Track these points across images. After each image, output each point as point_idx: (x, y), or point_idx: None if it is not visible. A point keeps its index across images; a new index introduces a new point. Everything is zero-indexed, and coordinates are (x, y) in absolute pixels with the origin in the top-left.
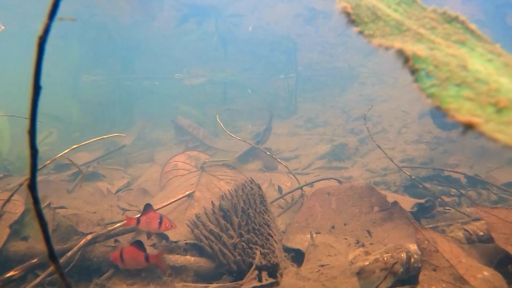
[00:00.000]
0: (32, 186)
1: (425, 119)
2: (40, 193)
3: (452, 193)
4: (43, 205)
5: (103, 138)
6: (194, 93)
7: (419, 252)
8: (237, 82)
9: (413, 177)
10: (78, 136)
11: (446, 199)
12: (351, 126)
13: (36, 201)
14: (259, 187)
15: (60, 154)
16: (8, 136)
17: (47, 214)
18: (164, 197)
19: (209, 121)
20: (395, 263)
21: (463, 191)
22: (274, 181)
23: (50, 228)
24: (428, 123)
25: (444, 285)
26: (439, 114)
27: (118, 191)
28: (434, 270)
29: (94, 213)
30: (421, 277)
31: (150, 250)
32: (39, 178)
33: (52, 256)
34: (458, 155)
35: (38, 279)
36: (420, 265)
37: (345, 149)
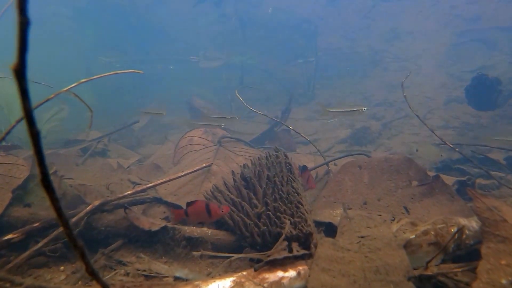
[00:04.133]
0: (20, 71)
1: (451, 105)
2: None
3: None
4: (49, 172)
5: (123, 72)
6: (210, 78)
7: (473, 228)
8: (254, 67)
9: (456, 149)
10: (90, 116)
11: (484, 181)
12: (373, 112)
13: (24, 93)
14: (286, 155)
15: (66, 88)
16: (18, 109)
17: (53, 182)
18: (178, 171)
19: (225, 105)
20: (458, 231)
21: (502, 174)
22: (295, 160)
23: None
24: (455, 109)
25: None
26: (474, 93)
27: (129, 166)
28: (502, 242)
29: (103, 185)
30: (484, 250)
31: (163, 223)
32: (49, 151)
33: (46, 181)
34: (491, 140)
35: (40, 244)
36: (472, 242)
37: (367, 133)
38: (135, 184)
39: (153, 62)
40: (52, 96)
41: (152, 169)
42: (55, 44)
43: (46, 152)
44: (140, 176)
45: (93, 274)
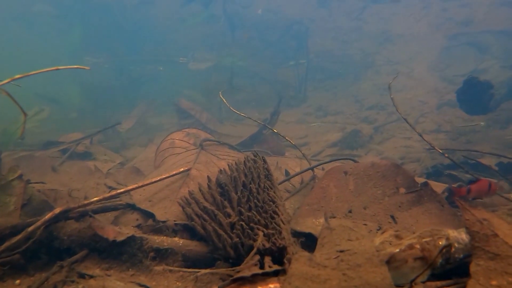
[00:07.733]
0: None
1: (444, 109)
2: (23, 169)
3: None
4: (14, 176)
5: (65, 68)
6: (199, 79)
7: (462, 240)
8: (244, 69)
9: (446, 155)
10: (75, 117)
11: None
12: (365, 115)
13: None
14: (264, 161)
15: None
16: None
17: (17, 187)
18: (157, 175)
19: (215, 108)
20: (444, 248)
21: (494, 181)
22: (281, 164)
23: (20, 202)
24: (448, 113)
25: (510, 279)
26: (466, 96)
27: (109, 169)
28: (493, 259)
29: (78, 190)
30: (473, 267)
31: (134, 231)
32: (23, 153)
33: None
34: (483, 145)
35: None
36: (461, 255)
37: (358, 136)
38: (111, 188)
39: (142, 63)
40: None
41: (132, 173)
42: (41, 43)
43: (21, 154)
44: (118, 181)
45: None
